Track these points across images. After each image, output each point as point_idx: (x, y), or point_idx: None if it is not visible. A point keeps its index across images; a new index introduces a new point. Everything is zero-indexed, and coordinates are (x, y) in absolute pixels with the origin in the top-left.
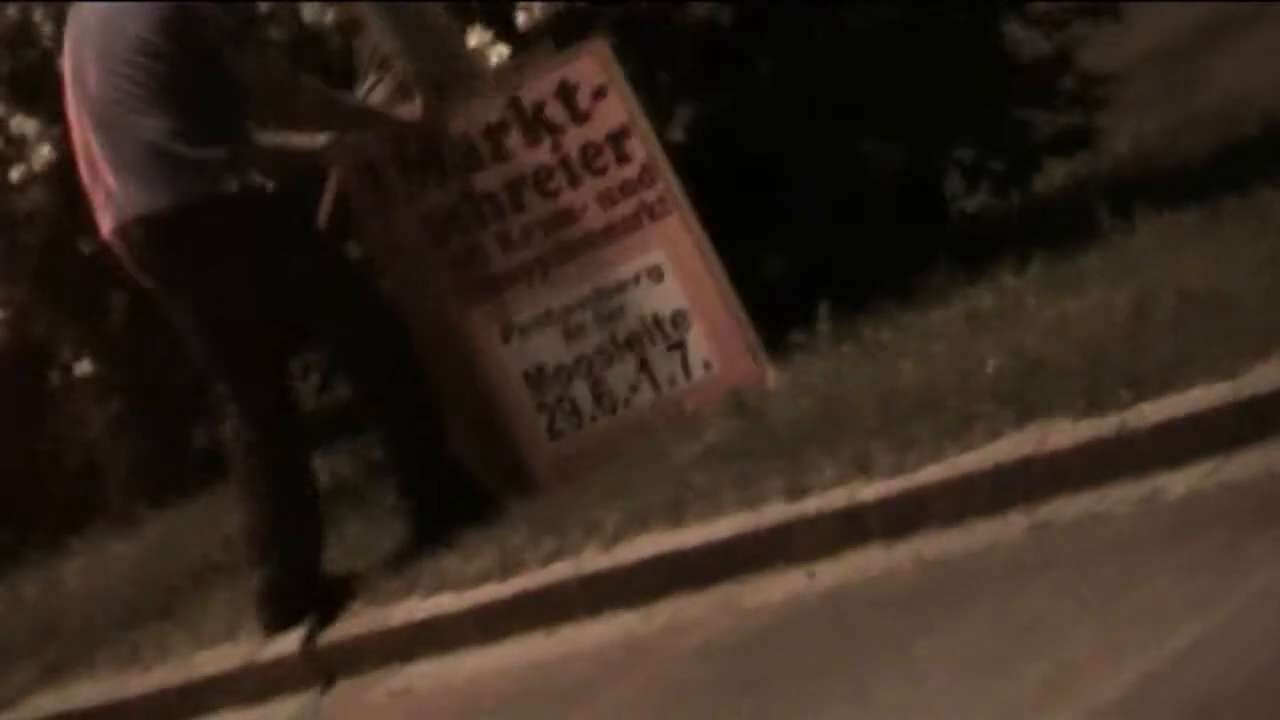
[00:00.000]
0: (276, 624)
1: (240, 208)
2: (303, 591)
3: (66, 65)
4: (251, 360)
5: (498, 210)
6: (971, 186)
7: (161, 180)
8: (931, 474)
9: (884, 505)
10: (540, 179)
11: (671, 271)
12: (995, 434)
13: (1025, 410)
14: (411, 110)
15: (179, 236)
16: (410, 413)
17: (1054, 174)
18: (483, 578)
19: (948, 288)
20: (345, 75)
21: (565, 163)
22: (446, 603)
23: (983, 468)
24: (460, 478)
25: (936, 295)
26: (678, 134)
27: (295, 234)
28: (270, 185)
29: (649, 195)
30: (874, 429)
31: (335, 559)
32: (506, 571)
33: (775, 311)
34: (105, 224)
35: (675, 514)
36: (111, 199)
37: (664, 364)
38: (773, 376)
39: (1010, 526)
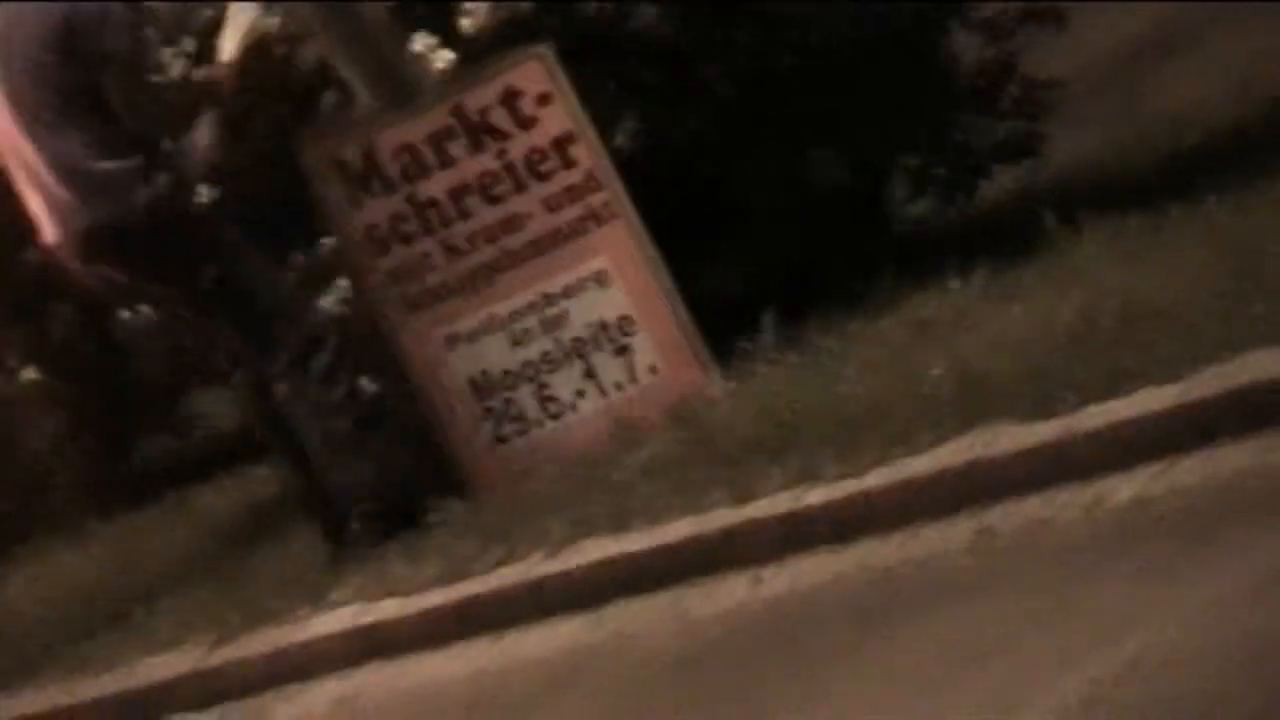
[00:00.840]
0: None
1: (158, 215)
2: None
3: None
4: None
5: (443, 218)
6: (916, 193)
7: (80, 198)
8: (877, 479)
9: (830, 510)
10: (485, 185)
11: (617, 277)
12: (940, 440)
13: (970, 416)
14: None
15: (107, 249)
16: (352, 418)
17: (999, 181)
18: (429, 584)
19: (893, 295)
20: (296, 87)
21: (510, 169)
22: (393, 608)
23: (928, 473)
24: (406, 483)
25: (882, 303)
26: (621, 141)
27: (220, 238)
28: (196, 191)
29: (594, 200)
30: (820, 436)
31: (281, 566)
32: (453, 577)
33: (721, 320)
34: (44, 239)
35: (621, 520)
36: (43, 218)
37: (610, 369)
38: (719, 384)
39: (956, 532)
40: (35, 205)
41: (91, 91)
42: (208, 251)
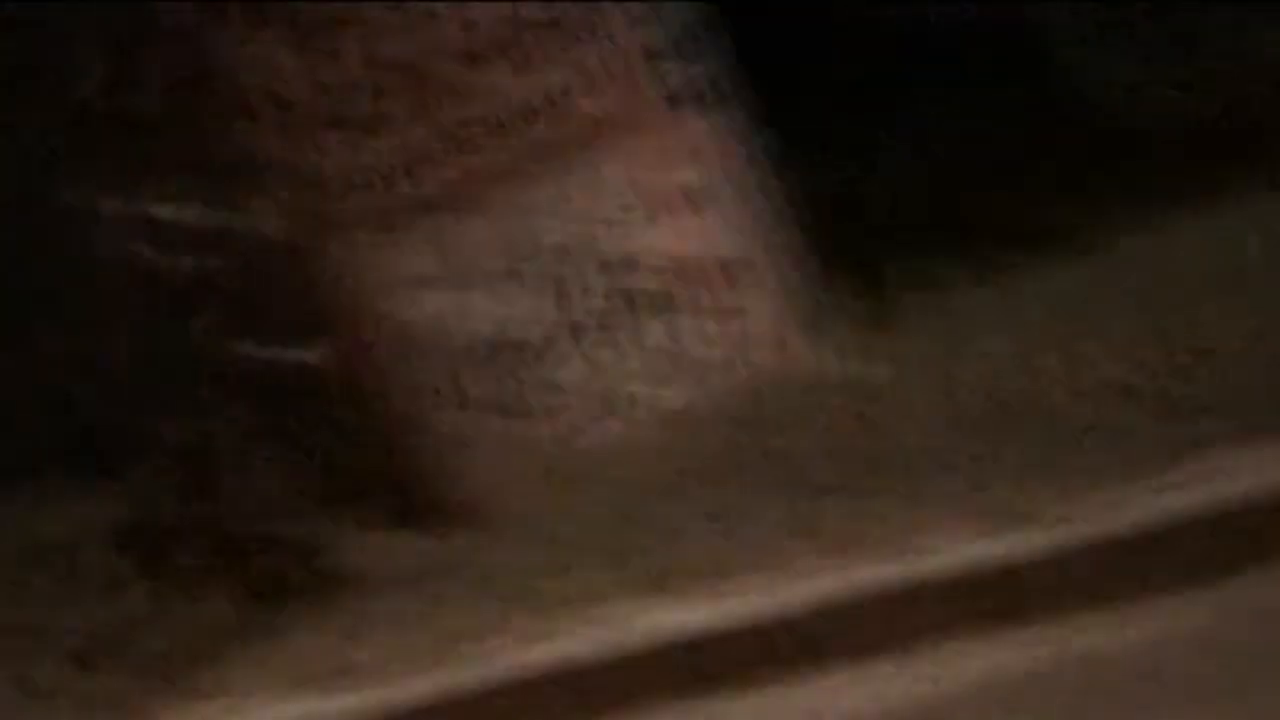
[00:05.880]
0: None
1: None
2: None
3: None
4: None
5: (411, 83)
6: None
7: None
8: (1112, 522)
9: (1032, 571)
10: (477, 32)
11: (704, 191)
12: (1202, 459)
13: (1247, 424)
14: None
15: None
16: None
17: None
18: (364, 675)
19: (1107, 216)
20: None
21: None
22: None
23: (1187, 511)
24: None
25: (1085, 229)
26: None
27: None
28: None
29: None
30: (1020, 448)
31: (125, 638)
32: (405, 667)
33: (876, 252)
34: None
35: (687, 577)
36: None
37: (688, 332)
38: (856, 350)
39: (1219, 608)
40: None
41: None
42: None
